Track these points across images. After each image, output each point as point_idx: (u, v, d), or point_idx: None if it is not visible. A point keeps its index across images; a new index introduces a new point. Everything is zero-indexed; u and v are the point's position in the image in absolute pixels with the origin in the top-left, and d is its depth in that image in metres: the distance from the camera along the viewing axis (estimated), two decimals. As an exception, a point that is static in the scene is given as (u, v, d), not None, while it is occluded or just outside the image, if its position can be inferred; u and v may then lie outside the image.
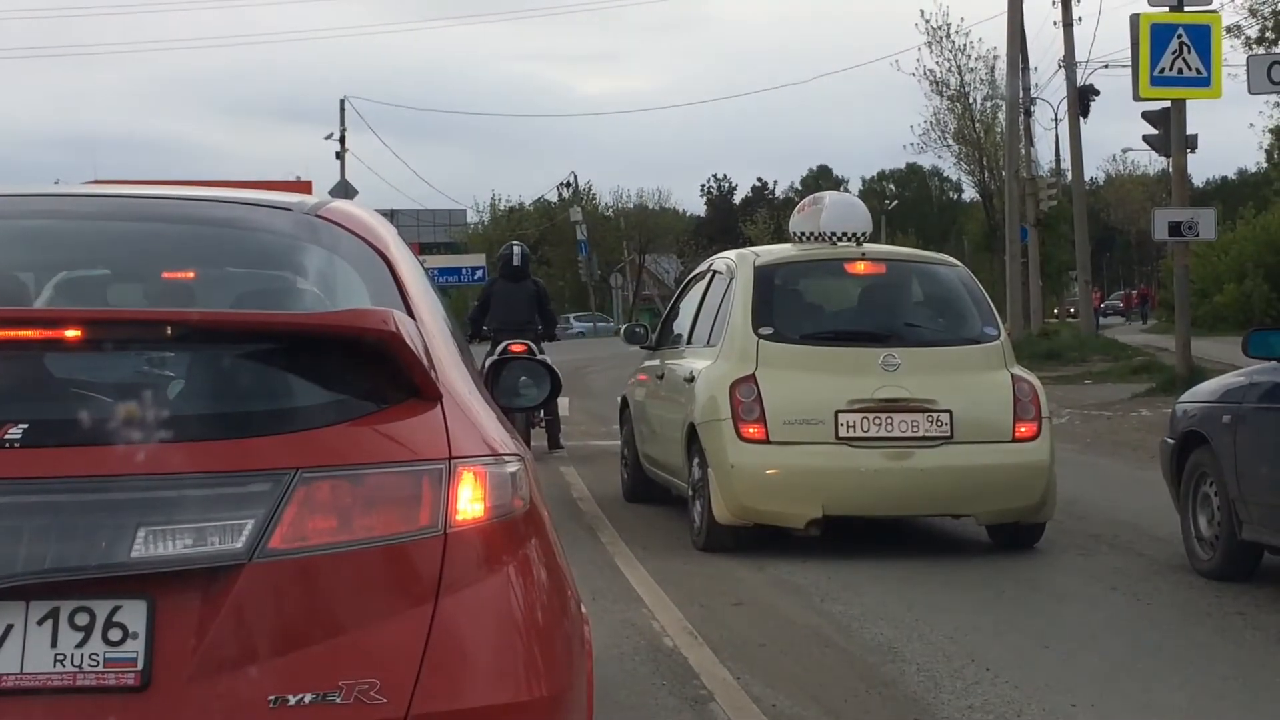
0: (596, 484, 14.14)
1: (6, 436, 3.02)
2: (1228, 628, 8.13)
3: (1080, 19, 56.85)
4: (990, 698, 6.66)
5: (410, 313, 3.59)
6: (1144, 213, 61.21)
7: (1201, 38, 22.25)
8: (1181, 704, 6.71)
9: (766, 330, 10.66)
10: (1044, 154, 57.99)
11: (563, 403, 16.67)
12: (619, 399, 14.40)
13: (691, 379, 11.05)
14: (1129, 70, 23.13)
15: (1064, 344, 38.13)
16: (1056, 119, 54.59)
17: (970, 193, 74.89)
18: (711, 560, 10.18)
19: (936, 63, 55.74)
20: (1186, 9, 22.51)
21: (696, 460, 10.70)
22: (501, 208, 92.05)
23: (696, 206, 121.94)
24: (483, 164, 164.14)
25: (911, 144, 60.82)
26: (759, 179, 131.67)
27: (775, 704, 6.58)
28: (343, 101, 62.85)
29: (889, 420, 10.21)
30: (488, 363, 4.80)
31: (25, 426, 3.04)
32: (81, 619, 3.00)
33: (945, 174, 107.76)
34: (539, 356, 5.19)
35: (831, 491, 10.14)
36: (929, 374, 10.40)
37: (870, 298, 11.44)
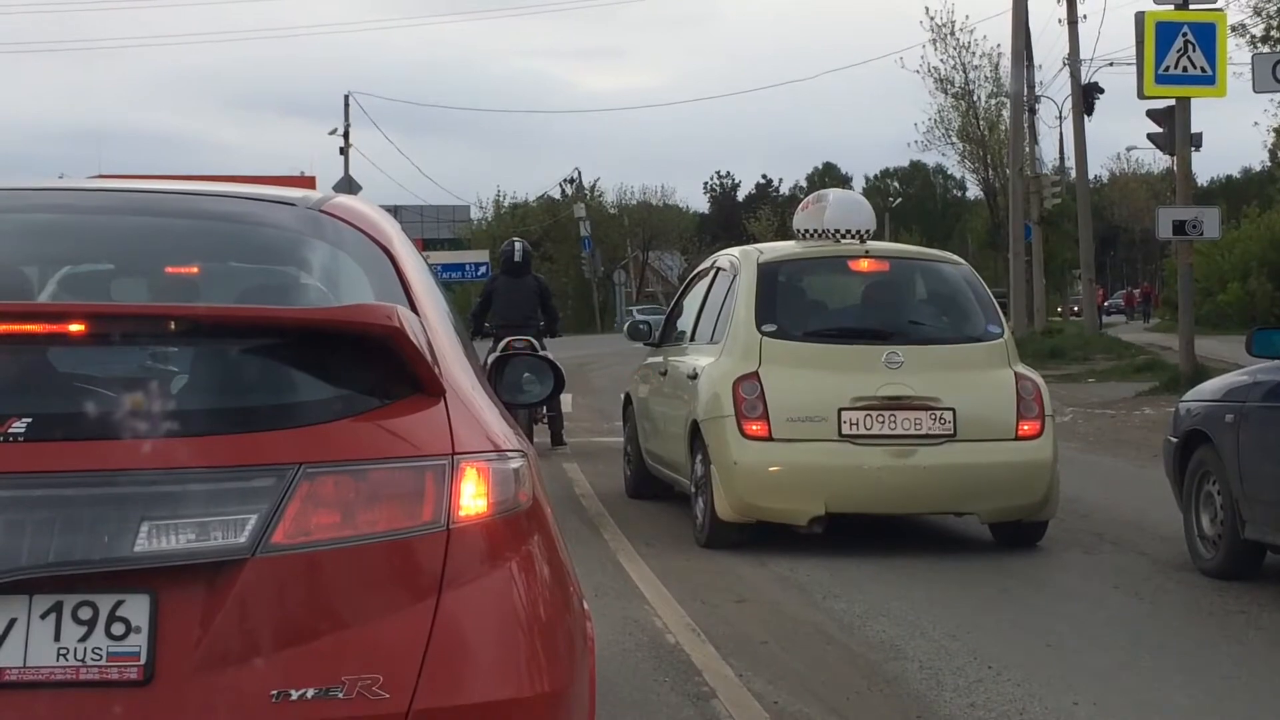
0: (599, 480, 14.15)
1: (10, 430, 3.03)
2: (1230, 626, 8.12)
3: (1085, 17, 56.71)
4: (992, 695, 6.66)
5: (414, 308, 3.59)
6: (1148, 211, 61.13)
7: (1206, 36, 22.24)
8: (1184, 703, 6.71)
9: (770, 327, 10.66)
10: (1048, 152, 57.96)
11: (566, 399, 16.74)
12: (622, 395, 14.40)
13: (695, 376, 11.06)
14: (1134, 68, 23.13)
15: (1067, 342, 38.12)
16: (1061, 117, 54.51)
17: (974, 190, 74.87)
18: (714, 557, 10.18)
19: (941, 60, 56.05)
20: (1192, 7, 22.53)
21: (699, 457, 10.70)
22: (505, 204, 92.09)
23: (700, 203, 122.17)
24: (487, 160, 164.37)
25: (916, 141, 61.00)
26: (763, 176, 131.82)
27: (777, 701, 6.58)
28: (347, 97, 62.84)
29: (892, 418, 10.21)
30: (490, 359, 4.80)
31: (29, 420, 3.05)
32: (85, 613, 3.00)
33: (949, 172, 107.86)
34: (542, 353, 5.19)
35: (834, 489, 10.14)
36: (932, 372, 10.40)
37: (874, 295, 11.43)
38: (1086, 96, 42.96)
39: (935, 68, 56.01)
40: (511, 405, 4.44)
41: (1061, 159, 55.90)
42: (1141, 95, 22.90)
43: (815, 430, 10.19)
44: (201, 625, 3.01)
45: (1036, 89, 46.47)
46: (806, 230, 11.69)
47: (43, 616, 2.99)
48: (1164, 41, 22.09)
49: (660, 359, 12.69)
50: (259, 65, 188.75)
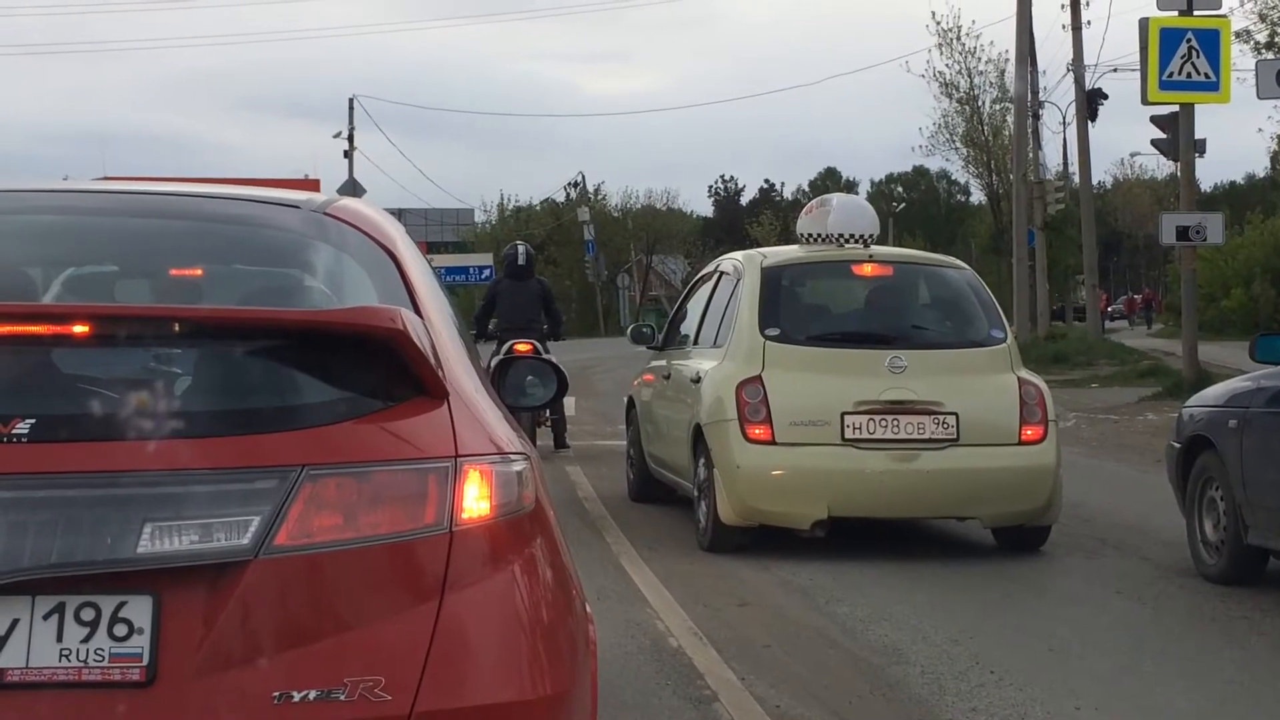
0: (602, 484, 14.15)
1: (14, 431, 3.03)
2: (1233, 632, 8.12)
3: (1089, 23, 56.89)
4: (994, 700, 6.66)
5: (417, 311, 3.59)
6: (1151, 217, 61.08)
7: (1210, 42, 22.24)
8: (1186, 708, 6.71)
9: (773, 331, 10.66)
10: (1052, 157, 57.84)
11: (569, 402, 16.74)
12: (625, 399, 14.40)
13: (698, 379, 11.06)
14: (1138, 74, 23.12)
15: (1070, 347, 38.10)
16: (1065, 122, 54.66)
17: (978, 196, 74.89)
18: (717, 561, 10.19)
19: (946, 65, 55.86)
20: (1196, 13, 22.49)
21: (702, 460, 10.70)
22: (509, 207, 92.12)
23: (704, 207, 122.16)
24: (491, 163, 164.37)
25: (920, 146, 60.97)
26: (766, 180, 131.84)
27: (779, 705, 6.58)
28: (351, 100, 62.94)
29: (895, 422, 10.21)
30: (493, 362, 4.80)
31: (32, 421, 3.05)
32: (87, 614, 3.00)
33: (953, 177, 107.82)
34: (545, 356, 5.19)
35: (837, 493, 10.14)
36: (935, 376, 10.40)
37: (877, 300, 11.43)
38: (1090, 102, 42.97)
39: (940, 72, 56.00)
40: (515, 408, 4.44)
41: (1065, 164, 56.01)
42: (1145, 101, 22.89)
43: (818, 434, 10.19)
44: (204, 626, 3.01)
45: (1041, 94, 46.52)
46: (810, 235, 11.69)
47: (45, 617, 2.99)
48: (1168, 47, 22.08)
49: (664, 362, 12.69)
50: (264, 68, 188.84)
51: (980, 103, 56.15)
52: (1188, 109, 23.19)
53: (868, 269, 11.39)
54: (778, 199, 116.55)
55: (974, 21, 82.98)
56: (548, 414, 16.47)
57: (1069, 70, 44.12)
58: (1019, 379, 10.57)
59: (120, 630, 3.00)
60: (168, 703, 2.98)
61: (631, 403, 13.79)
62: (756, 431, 10.21)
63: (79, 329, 3.14)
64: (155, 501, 3.02)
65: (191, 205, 4.27)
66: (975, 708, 6.56)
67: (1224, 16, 23.56)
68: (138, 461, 3.04)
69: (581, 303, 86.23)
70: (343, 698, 3.03)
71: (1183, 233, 22.76)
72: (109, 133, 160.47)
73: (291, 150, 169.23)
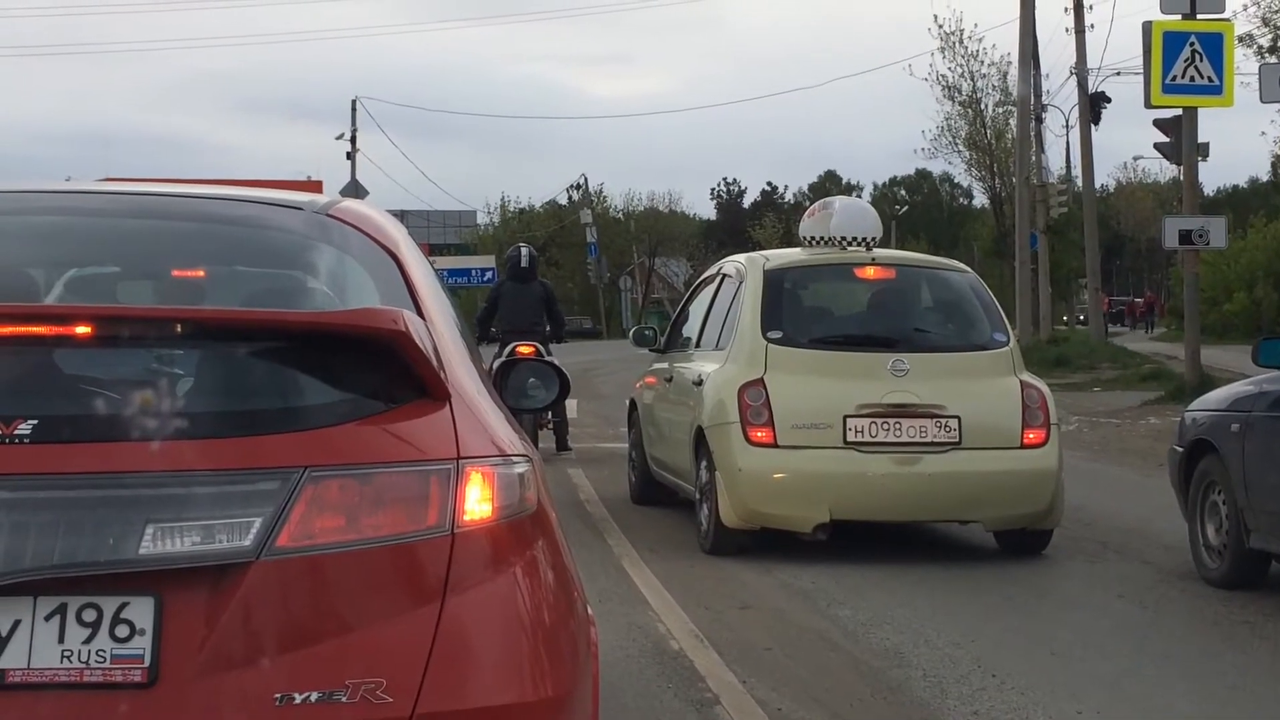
0: (604, 486, 14.15)
1: (16, 432, 3.03)
2: (1235, 636, 8.12)
3: (1093, 26, 56.85)
4: (996, 704, 6.66)
5: (420, 313, 3.59)
6: (1154, 220, 61.07)
7: (1214, 46, 22.24)
8: (1188, 712, 6.71)
9: (775, 334, 10.67)
10: (1055, 161, 57.84)
11: (571, 405, 16.75)
12: (627, 402, 14.40)
13: (700, 382, 11.06)
14: (1140, 78, 23.13)
15: (1073, 351, 38.09)
16: (1068, 125, 54.54)
17: (980, 199, 74.87)
18: (718, 563, 10.19)
19: (949, 68, 55.79)
20: (1199, 17, 22.50)
21: (704, 463, 10.70)
22: (511, 209, 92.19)
23: (706, 210, 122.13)
24: (493, 165, 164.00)
25: (922, 149, 60.89)
26: (769, 183, 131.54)
27: (781, 708, 6.58)
28: (354, 102, 63.07)
29: (897, 425, 10.21)
30: (495, 364, 4.79)
31: (35, 422, 3.05)
32: (89, 615, 3.01)
33: (956, 180, 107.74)
34: (547, 358, 5.19)
35: (839, 496, 10.14)
36: (938, 379, 10.40)
37: (879, 303, 11.44)
38: (1093, 105, 42.96)
39: (943, 75, 55.93)
40: (517, 410, 4.44)
41: (1068, 168, 55.89)
42: (1148, 105, 22.90)
43: (820, 437, 10.19)
44: (206, 628, 3.01)
45: (1044, 97, 46.50)
46: (812, 237, 11.70)
47: (47, 618, 3.00)
48: (1171, 51, 22.08)
49: (666, 365, 12.69)
50: (267, 69, 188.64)
51: (983, 106, 56.14)
52: (1191, 112, 23.20)
53: (870, 272, 11.39)
54: (780, 201, 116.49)
55: (976, 25, 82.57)
56: (550, 416, 16.48)
57: (1072, 73, 44.12)
58: (1021, 382, 10.57)
59: (122, 631, 3.00)
60: (169, 704, 2.98)
61: (633, 405, 13.80)
62: (758, 434, 10.21)
63: (81, 330, 3.14)
64: (157, 502, 3.02)
65: (194, 206, 4.27)
66: (977, 711, 6.56)
67: (1227, 20, 23.56)
68: (140, 462, 3.04)
69: (584, 305, 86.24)
70: (344, 699, 3.03)
71: (1185, 236, 22.78)
72: (111, 134, 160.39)
73: (294, 152, 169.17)
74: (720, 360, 10.99)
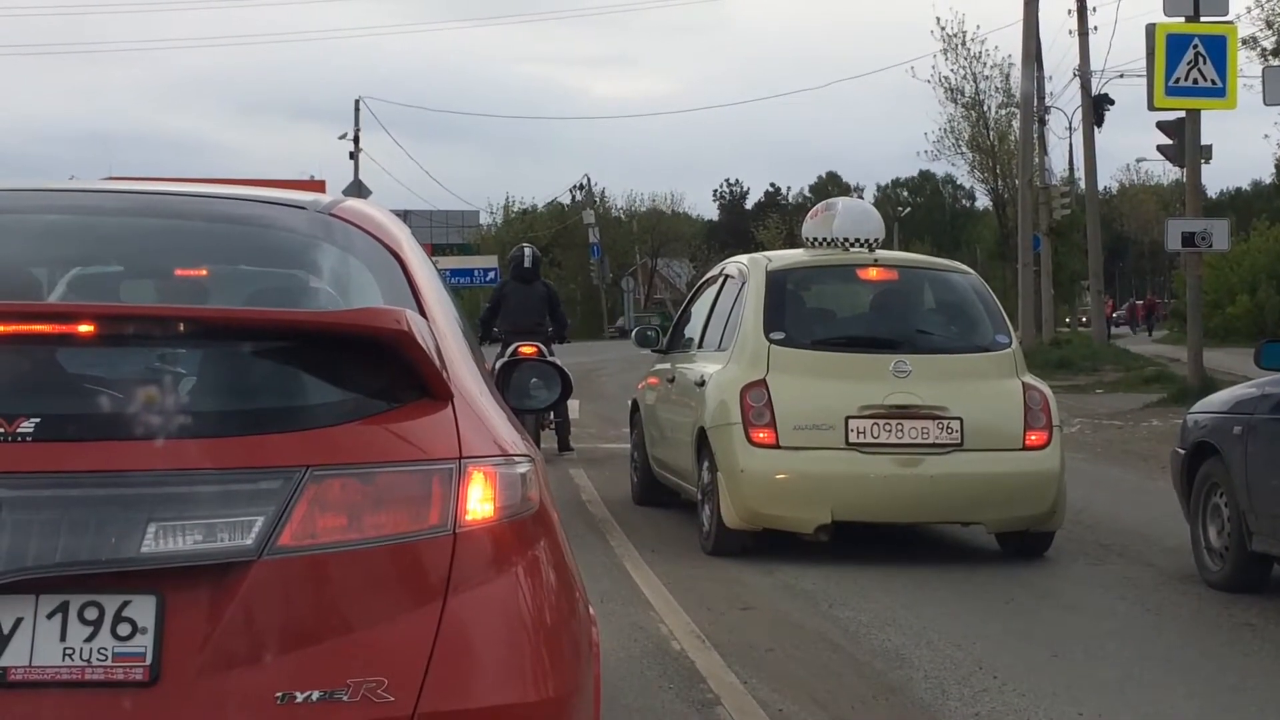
0: (606, 487, 14.16)
1: (19, 430, 3.04)
2: (1236, 639, 8.12)
3: (1096, 28, 56.82)
4: (997, 705, 6.66)
5: (423, 312, 3.60)
6: (1157, 223, 61.19)
7: (1217, 48, 22.23)
8: (1189, 714, 6.72)
9: (778, 335, 10.67)
10: (1058, 163, 57.91)
11: (573, 405, 16.73)
12: (629, 402, 14.41)
13: (702, 383, 11.06)
14: (1144, 80, 23.14)
15: (1075, 353, 38.08)
16: (1071, 128, 54.54)
17: (983, 201, 74.79)
18: (720, 564, 10.19)
19: (952, 70, 55.77)
20: (1203, 19, 22.49)
21: (706, 464, 10.70)
22: (515, 210, 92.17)
23: (709, 210, 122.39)
24: (496, 166, 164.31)
25: (925, 151, 60.87)
26: (771, 184, 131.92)
27: (782, 709, 6.59)
28: (357, 102, 63.10)
29: (899, 427, 10.22)
30: (498, 364, 4.80)
31: (38, 421, 3.06)
32: (91, 613, 3.01)
33: (958, 182, 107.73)
34: (550, 359, 5.19)
35: (841, 497, 10.15)
36: (940, 381, 10.40)
37: (882, 304, 11.44)
38: (1096, 108, 42.98)
39: (946, 77, 55.91)
40: (519, 410, 4.44)
41: (1071, 170, 55.91)
42: (1151, 107, 22.89)
43: (822, 438, 10.19)
44: (207, 626, 3.02)
45: (1047, 99, 46.50)
46: (815, 238, 11.71)
47: (49, 616, 3.00)
48: (1174, 53, 22.07)
49: (668, 366, 12.70)
50: (270, 69, 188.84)
51: (986, 108, 56.13)
52: (1194, 115, 23.18)
53: (873, 273, 11.40)
54: (783, 203, 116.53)
55: (979, 27, 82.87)
56: (552, 417, 16.50)
57: (1075, 75, 44.14)
58: (1023, 384, 10.58)
59: (124, 629, 3.01)
60: (171, 702, 2.99)
61: (635, 406, 13.80)
62: (760, 435, 10.22)
63: (84, 328, 3.14)
64: (160, 501, 3.03)
65: (197, 205, 4.28)
66: (978, 713, 6.56)
67: (1231, 23, 23.53)
68: (142, 461, 3.05)
69: (586, 305, 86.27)
70: (346, 698, 3.04)
71: (1188, 239, 22.77)
72: (114, 134, 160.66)
73: (297, 151, 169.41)
74: (722, 361, 10.99)
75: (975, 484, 10.21)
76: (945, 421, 10.23)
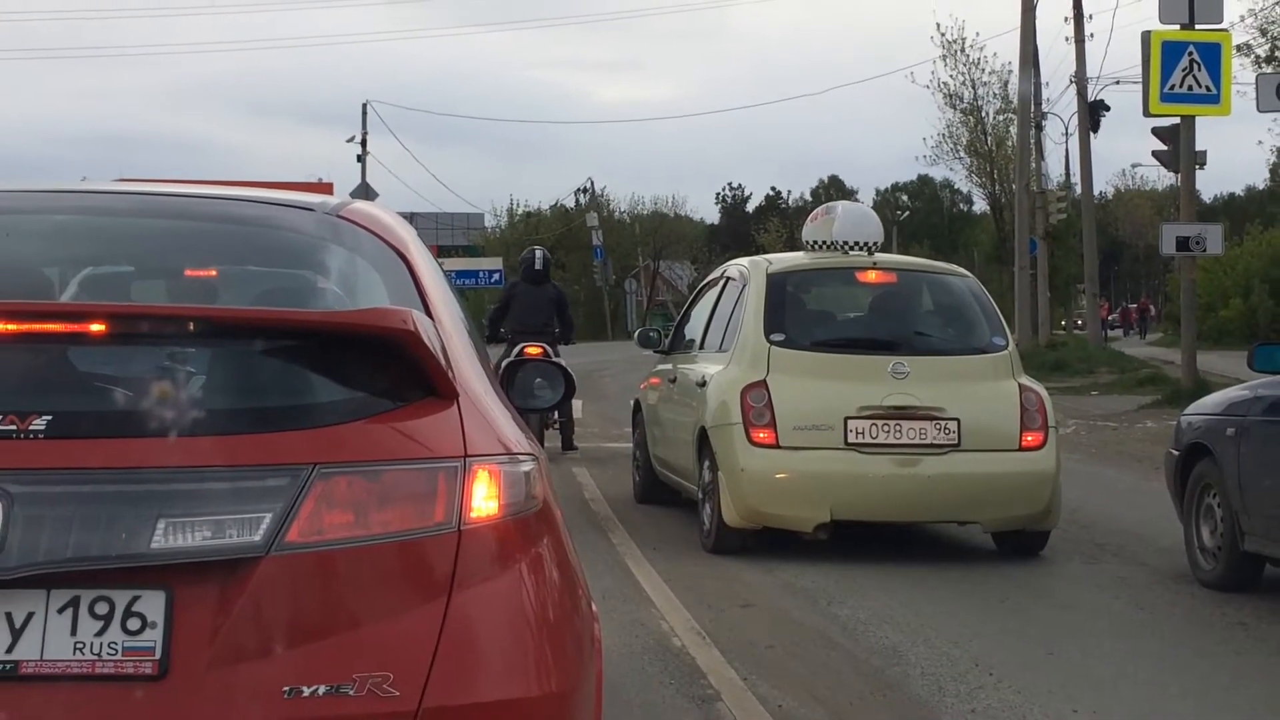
0: (608, 485, 14.19)
1: (31, 427, 3.07)
2: (1229, 638, 8.17)
3: (1092, 35, 56.75)
4: (993, 703, 6.71)
5: (429, 313, 3.62)
6: (1152, 227, 61.08)
7: (1212, 55, 22.25)
8: (1183, 712, 6.76)
9: (778, 337, 10.72)
10: (1054, 168, 57.64)
11: (576, 405, 16.73)
12: (632, 402, 14.44)
13: (703, 384, 11.11)
14: (1139, 86, 23.14)
15: (1071, 355, 38.07)
16: (1067, 133, 54.57)
17: (981, 205, 74.65)
18: (720, 562, 10.23)
19: (951, 76, 55.65)
20: (1197, 27, 22.51)
21: (707, 463, 10.75)
22: (519, 212, 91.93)
23: (711, 214, 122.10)
24: (502, 168, 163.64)
25: (924, 156, 60.77)
26: (773, 188, 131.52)
27: (781, 705, 6.63)
28: (365, 105, 63.01)
29: (897, 427, 10.26)
30: (503, 364, 4.84)
31: (49, 418, 3.09)
32: (101, 608, 3.04)
33: (956, 186, 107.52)
34: (554, 359, 5.23)
35: (840, 496, 10.19)
36: (938, 382, 10.45)
37: (881, 306, 11.49)
38: (1092, 114, 42.94)
39: (945, 83, 55.78)
40: (523, 410, 4.47)
41: (1067, 175, 55.92)
42: (1146, 113, 22.89)
43: (821, 438, 10.24)
44: (216, 621, 3.05)
45: (1044, 105, 46.48)
46: (815, 242, 11.75)
47: (60, 611, 3.03)
48: (1169, 60, 22.08)
49: (670, 366, 12.74)
50: (278, 73, 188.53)
51: (984, 113, 56.04)
52: (1188, 121, 23.21)
53: (872, 276, 11.45)
54: (784, 206, 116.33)
55: (978, 34, 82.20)
56: (556, 416, 16.53)
57: (1072, 82, 44.10)
58: (1020, 385, 10.62)
59: (133, 624, 3.04)
60: (179, 696, 3.02)
61: (638, 406, 13.83)
62: (761, 435, 10.26)
63: (95, 328, 3.17)
64: (169, 498, 3.06)
65: (207, 207, 4.30)
66: (974, 709, 6.60)
67: (1225, 30, 23.55)
68: (152, 458, 3.08)
69: (589, 307, 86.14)
70: (351, 693, 3.06)
71: (1183, 243, 22.80)
72: (124, 136, 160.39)
73: (305, 154, 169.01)
74: (723, 362, 11.04)
75: (972, 484, 10.25)
76: (943, 422, 10.28)
